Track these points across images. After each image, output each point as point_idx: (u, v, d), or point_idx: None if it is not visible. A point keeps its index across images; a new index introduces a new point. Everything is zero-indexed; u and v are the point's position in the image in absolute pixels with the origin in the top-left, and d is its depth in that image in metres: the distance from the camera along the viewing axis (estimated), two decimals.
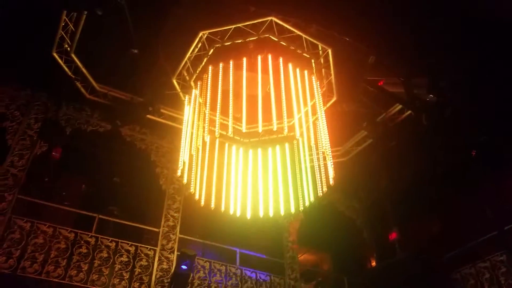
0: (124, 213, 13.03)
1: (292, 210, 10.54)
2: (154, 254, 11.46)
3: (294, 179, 10.63)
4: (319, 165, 10.14)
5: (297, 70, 10.13)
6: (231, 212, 10.34)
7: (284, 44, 10.08)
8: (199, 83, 10.58)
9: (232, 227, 12.07)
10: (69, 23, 10.03)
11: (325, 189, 10.05)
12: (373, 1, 9.45)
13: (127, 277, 10.77)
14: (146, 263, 11.22)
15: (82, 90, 11.59)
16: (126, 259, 11.01)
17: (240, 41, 10.01)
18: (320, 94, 10.54)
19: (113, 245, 11.02)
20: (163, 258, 11.50)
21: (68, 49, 10.56)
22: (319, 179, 10.16)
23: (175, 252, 11.68)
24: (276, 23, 9.65)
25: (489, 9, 9.48)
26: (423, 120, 10.88)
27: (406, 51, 10.46)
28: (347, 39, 10.00)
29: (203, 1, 9.62)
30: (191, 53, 10.39)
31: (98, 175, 13.88)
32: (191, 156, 10.09)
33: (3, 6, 9.79)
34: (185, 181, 10.16)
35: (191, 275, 11.33)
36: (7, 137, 11.07)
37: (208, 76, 10.17)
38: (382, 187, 15.38)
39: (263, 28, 9.76)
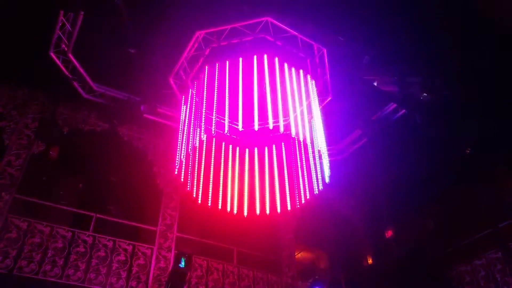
0: (121, 212, 13.06)
1: (289, 208, 10.59)
2: (152, 252, 11.52)
3: (290, 177, 10.69)
4: (315, 163, 10.21)
5: (293, 69, 10.20)
6: (228, 210, 10.40)
7: (280, 44, 10.15)
8: (195, 82, 10.64)
9: (229, 225, 12.12)
10: (66, 23, 10.05)
11: (321, 187, 10.13)
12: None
13: (125, 275, 10.82)
14: (143, 262, 11.27)
15: (79, 89, 11.62)
16: (124, 258, 11.05)
17: (236, 41, 10.07)
18: (315, 93, 10.61)
19: (110, 243, 11.06)
20: (160, 256, 11.55)
21: (66, 49, 10.57)
22: (315, 177, 10.23)
23: (173, 251, 11.76)
24: (271, 23, 9.71)
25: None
26: (417, 118, 10.97)
27: (400, 50, 10.54)
28: (342, 38, 10.09)
29: (200, 1, 9.68)
30: (187, 53, 10.45)
31: (95, 174, 13.88)
32: (188, 155, 10.16)
33: (1, 6, 9.82)
34: (182, 179, 10.23)
35: (189, 274, 11.40)
36: (4, 137, 11.10)
37: (204, 75, 10.23)
38: (377, 185, 15.47)
39: (259, 28, 9.83)
